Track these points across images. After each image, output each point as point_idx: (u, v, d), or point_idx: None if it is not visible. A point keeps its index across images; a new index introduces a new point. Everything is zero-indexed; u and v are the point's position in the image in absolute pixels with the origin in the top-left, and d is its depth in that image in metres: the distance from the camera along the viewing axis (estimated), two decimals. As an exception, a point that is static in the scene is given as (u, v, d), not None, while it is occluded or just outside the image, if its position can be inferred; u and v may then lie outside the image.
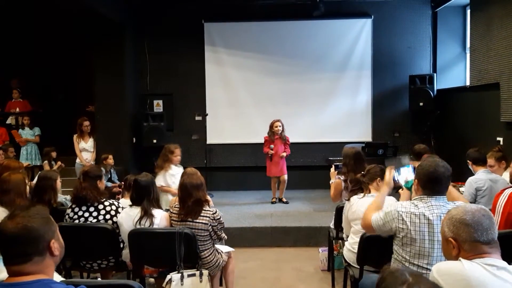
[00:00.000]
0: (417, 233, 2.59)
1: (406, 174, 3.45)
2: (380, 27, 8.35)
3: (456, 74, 8.20)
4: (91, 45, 7.94)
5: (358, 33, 8.40)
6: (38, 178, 4.12)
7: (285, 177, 7.39)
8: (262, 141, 7.40)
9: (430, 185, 2.66)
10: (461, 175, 5.28)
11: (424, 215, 2.61)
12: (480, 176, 4.28)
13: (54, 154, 7.27)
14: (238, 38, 8.50)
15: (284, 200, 7.52)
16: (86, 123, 7.42)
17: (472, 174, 4.51)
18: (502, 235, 3.08)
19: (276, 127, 7.20)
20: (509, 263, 1.90)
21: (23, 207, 1.70)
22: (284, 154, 7.27)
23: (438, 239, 2.53)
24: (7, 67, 9.05)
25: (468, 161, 4.52)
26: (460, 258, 1.92)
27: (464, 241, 1.92)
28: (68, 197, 4.15)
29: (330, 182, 4.88)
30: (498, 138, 5.96)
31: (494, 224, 1.95)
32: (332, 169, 4.87)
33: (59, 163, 7.38)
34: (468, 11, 7.33)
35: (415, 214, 2.62)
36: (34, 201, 3.84)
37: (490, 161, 4.39)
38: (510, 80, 5.62)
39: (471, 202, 4.12)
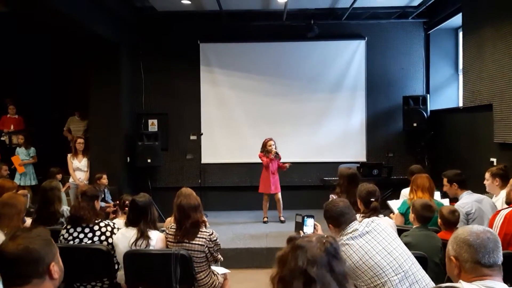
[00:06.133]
0: (362, 264, 2.72)
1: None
2: (374, 48, 8.47)
3: (449, 95, 8.31)
4: (87, 64, 7.96)
5: (352, 55, 8.50)
6: (43, 190, 4.15)
7: (279, 195, 7.39)
8: (257, 160, 7.42)
9: (341, 219, 2.93)
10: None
11: (355, 244, 2.78)
12: (466, 200, 4.26)
13: (59, 176, 7.20)
14: (234, 59, 8.57)
15: (282, 218, 7.50)
16: (81, 140, 7.42)
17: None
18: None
19: (270, 145, 7.25)
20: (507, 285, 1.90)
21: (25, 229, 1.68)
22: (287, 165, 7.37)
23: (382, 256, 2.72)
24: (1, 85, 9.03)
25: (453, 183, 4.42)
26: (460, 281, 1.91)
27: (465, 261, 1.91)
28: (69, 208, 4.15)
29: None
30: (491, 159, 6.00)
31: (499, 248, 1.93)
32: None
33: (67, 184, 7.35)
34: (461, 34, 7.47)
35: (349, 246, 2.79)
36: (40, 212, 3.91)
37: (486, 174, 4.41)
38: (502, 101, 5.68)
39: None
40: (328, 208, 3.02)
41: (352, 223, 2.91)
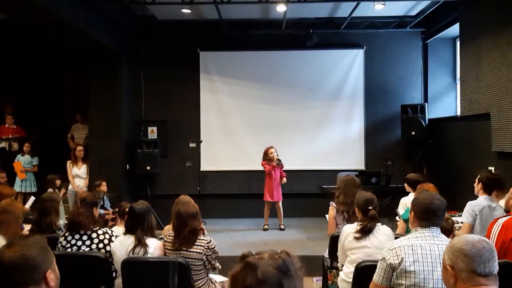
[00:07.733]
0: (411, 265, 2.57)
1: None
2: (372, 57, 8.52)
3: (447, 104, 8.33)
4: (87, 71, 7.99)
5: (350, 63, 8.55)
6: (42, 200, 4.19)
7: (280, 203, 7.44)
8: (256, 168, 7.47)
9: (426, 216, 2.70)
10: (454, 204, 5.30)
11: (419, 246, 2.61)
12: (479, 201, 4.23)
13: (58, 182, 7.22)
14: (233, 67, 8.62)
15: (282, 226, 7.52)
16: (80, 148, 7.44)
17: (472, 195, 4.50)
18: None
19: (271, 153, 7.29)
20: None
21: (22, 236, 1.69)
22: (285, 179, 7.41)
23: (433, 269, 2.54)
24: (1, 91, 9.06)
25: (480, 182, 4.33)
26: (457, 290, 1.92)
27: (461, 271, 1.92)
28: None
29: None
30: (490, 168, 6.00)
31: (495, 258, 1.93)
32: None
33: (63, 190, 7.34)
34: (458, 43, 7.50)
35: (408, 246, 2.62)
36: (37, 221, 3.92)
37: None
38: (500, 110, 5.70)
39: (472, 224, 4.13)
40: (421, 198, 2.77)
41: (436, 228, 2.70)
